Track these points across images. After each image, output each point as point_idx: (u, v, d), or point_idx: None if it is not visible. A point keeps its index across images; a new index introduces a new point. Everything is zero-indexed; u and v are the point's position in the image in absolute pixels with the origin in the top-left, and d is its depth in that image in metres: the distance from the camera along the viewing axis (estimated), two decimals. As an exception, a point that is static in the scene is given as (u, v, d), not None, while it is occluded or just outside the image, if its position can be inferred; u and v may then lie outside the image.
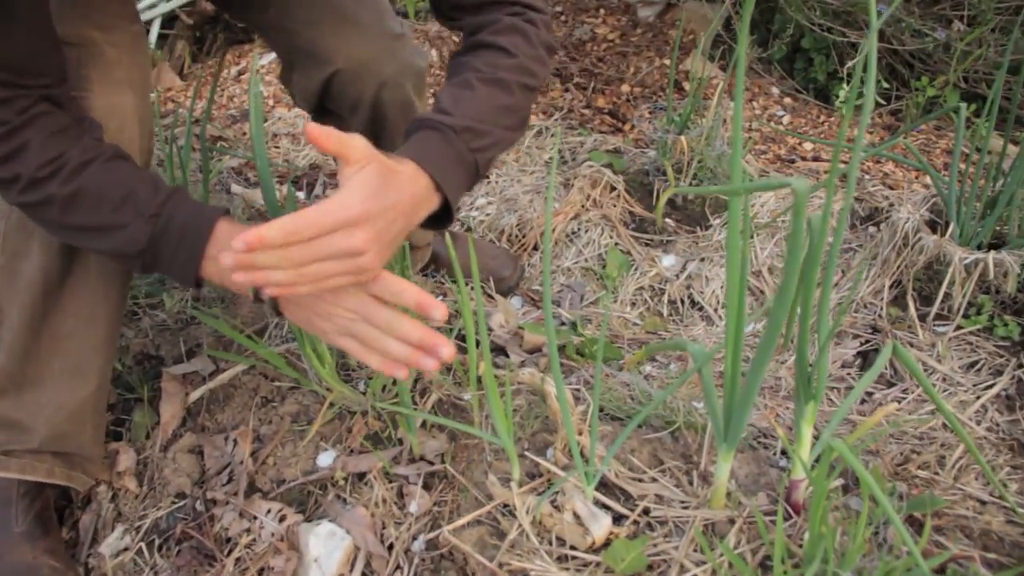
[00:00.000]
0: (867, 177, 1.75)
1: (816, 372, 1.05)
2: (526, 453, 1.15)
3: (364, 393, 1.30)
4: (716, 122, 1.76)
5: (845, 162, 1.81)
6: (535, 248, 1.82)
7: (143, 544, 1.20)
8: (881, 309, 1.51)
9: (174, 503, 1.24)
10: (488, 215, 1.91)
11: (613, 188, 1.83)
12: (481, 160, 0.97)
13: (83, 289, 1.10)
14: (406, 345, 0.90)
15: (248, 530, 1.17)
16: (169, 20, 2.53)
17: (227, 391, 1.37)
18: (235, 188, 1.97)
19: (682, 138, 1.73)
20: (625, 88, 2.12)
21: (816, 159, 1.82)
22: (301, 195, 2.06)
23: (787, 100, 2.05)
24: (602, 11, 2.39)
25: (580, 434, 1.14)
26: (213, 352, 1.36)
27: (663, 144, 1.77)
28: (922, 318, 1.48)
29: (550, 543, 1.04)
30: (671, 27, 2.28)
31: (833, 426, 1.04)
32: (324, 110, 1.37)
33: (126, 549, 1.21)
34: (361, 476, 1.19)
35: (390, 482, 1.17)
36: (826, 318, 1.04)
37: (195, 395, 1.37)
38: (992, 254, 1.41)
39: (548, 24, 1.10)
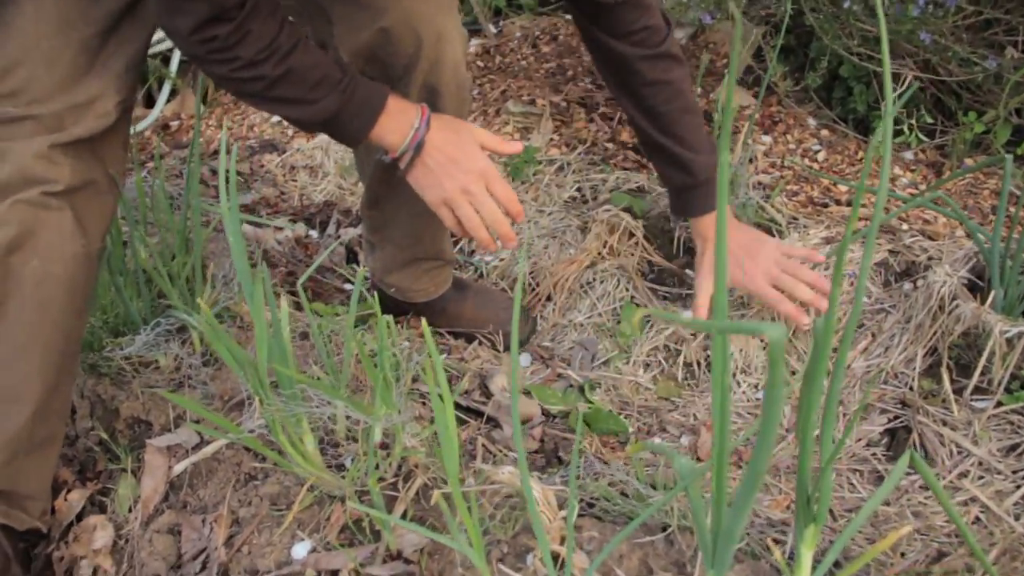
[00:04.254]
0: (904, 226, 1.62)
1: (819, 492, 0.95)
2: (504, 560, 1.07)
3: (345, 477, 1.24)
4: (742, 163, 1.65)
5: (873, 207, 1.68)
6: (548, 299, 1.73)
7: (115, 633, 1.16)
8: (913, 380, 1.39)
9: (156, 588, 1.20)
10: (501, 260, 1.83)
11: (632, 234, 1.73)
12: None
13: (18, 319, 1.09)
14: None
15: (217, 628, 1.12)
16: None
17: (211, 465, 1.32)
18: (244, 227, 1.92)
19: (702, 185, 1.62)
20: (651, 120, 2.01)
21: (848, 203, 1.69)
22: (314, 233, 2.01)
23: (824, 132, 1.91)
24: (632, 33, 2.28)
25: (563, 541, 1.06)
26: (194, 425, 1.31)
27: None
28: (958, 392, 1.35)
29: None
30: (704, 50, 2.16)
31: (836, 552, 0.94)
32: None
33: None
34: (334, 573, 1.13)
35: (363, 583, 1.10)
36: (831, 431, 0.94)
37: (178, 468, 1.32)
38: (1038, 327, 1.28)
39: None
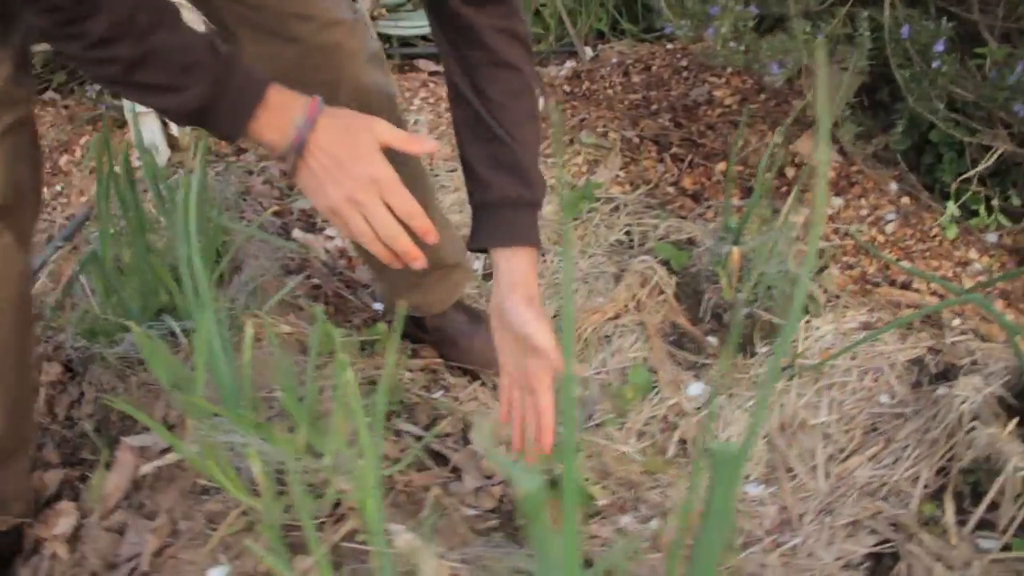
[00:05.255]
0: (956, 320, 1.43)
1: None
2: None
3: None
4: (786, 230, 1.51)
5: (941, 295, 1.49)
6: (565, 345, 1.65)
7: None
8: (913, 502, 1.23)
9: (85, 582, 1.24)
10: (531, 297, 1.77)
11: (662, 291, 1.63)
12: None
13: None
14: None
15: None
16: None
17: (173, 472, 1.35)
18: (296, 233, 1.96)
19: (735, 249, 1.50)
20: (720, 167, 1.88)
21: (905, 287, 1.52)
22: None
23: (904, 200, 1.72)
24: (728, 70, 2.15)
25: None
26: (159, 431, 1.34)
27: (715, 253, 1.55)
28: (963, 523, 1.18)
29: None
30: (799, 96, 2.00)
31: None
32: None
33: (34, 619, 1.23)
34: (234, 605, 1.13)
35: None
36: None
37: (144, 469, 1.36)
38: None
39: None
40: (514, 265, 1.14)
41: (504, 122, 1.12)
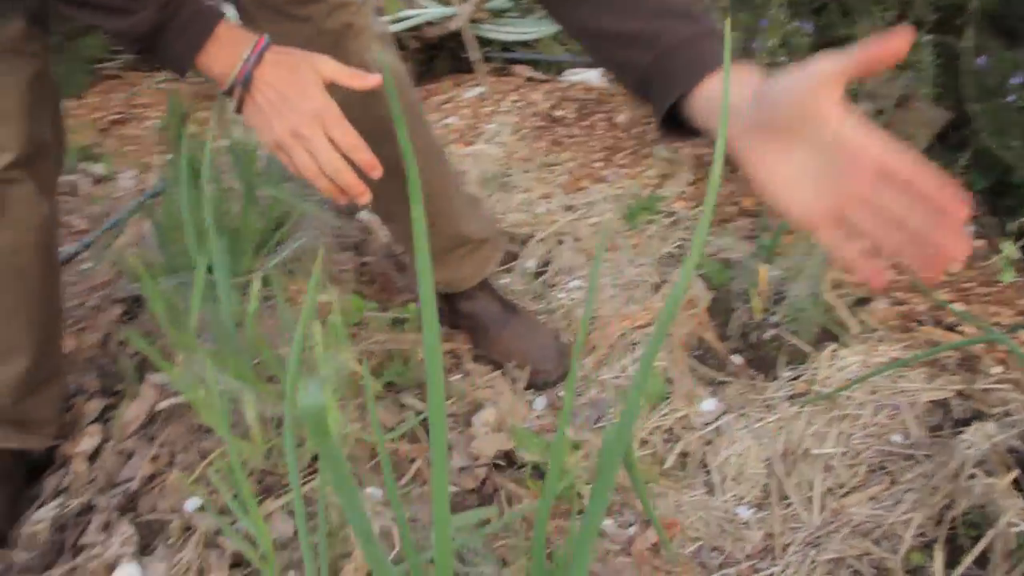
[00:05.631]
0: (995, 368, 1.32)
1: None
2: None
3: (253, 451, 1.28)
4: (817, 255, 1.45)
5: (973, 335, 1.38)
6: (594, 348, 1.64)
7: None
8: (902, 547, 1.14)
9: (90, 499, 1.33)
10: (573, 300, 1.76)
11: (695, 304, 1.59)
12: None
13: (2, 287, 1.20)
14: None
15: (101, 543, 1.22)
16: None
17: (184, 410, 1.43)
18: (362, 214, 2.03)
19: (762, 268, 1.45)
20: (788, 191, 1.82)
21: (951, 328, 1.41)
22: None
23: (977, 243, 1.61)
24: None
25: None
26: (164, 366, 1.38)
27: (749, 272, 1.50)
28: (951, 578, 1.10)
29: None
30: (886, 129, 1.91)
31: None
32: None
33: (40, 522, 1.32)
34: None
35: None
36: None
37: (162, 405, 1.44)
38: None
39: None
40: (747, 76, 0.78)
41: None
